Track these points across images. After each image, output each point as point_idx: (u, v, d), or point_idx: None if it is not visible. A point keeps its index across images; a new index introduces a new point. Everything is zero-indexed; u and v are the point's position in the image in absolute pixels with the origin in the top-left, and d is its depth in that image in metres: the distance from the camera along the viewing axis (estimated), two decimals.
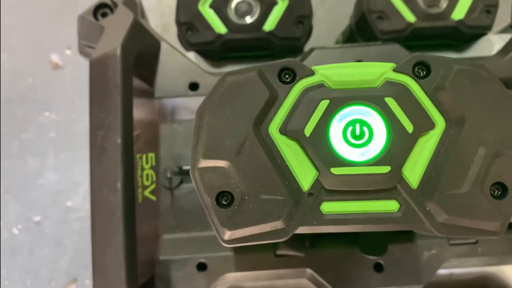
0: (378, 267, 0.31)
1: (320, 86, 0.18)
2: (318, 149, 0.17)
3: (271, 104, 0.18)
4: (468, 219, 0.17)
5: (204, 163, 0.18)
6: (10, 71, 0.63)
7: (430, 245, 0.32)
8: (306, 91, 0.18)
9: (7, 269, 0.59)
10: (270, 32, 0.37)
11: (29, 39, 0.63)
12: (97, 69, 0.30)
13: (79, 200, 0.60)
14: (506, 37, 0.38)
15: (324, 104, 0.18)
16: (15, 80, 0.63)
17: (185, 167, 0.35)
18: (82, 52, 0.37)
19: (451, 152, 0.17)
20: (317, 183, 0.17)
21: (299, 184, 0.17)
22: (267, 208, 0.17)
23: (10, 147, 0.61)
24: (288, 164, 0.18)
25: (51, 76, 0.62)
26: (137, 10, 0.37)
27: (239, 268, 0.31)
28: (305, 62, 0.36)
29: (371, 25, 0.38)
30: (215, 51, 0.38)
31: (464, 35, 0.38)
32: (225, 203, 0.17)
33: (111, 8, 0.36)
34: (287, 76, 0.18)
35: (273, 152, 0.18)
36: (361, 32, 0.41)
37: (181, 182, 0.35)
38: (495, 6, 0.38)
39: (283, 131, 0.18)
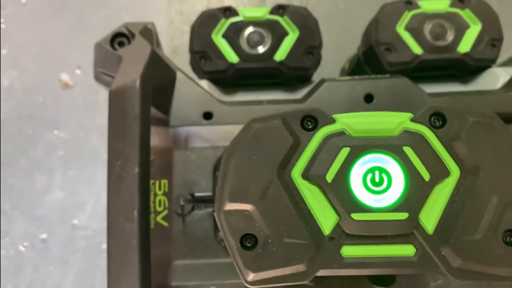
0: None
1: (341, 134, 0.19)
2: (339, 195, 0.18)
3: (294, 150, 0.19)
4: (482, 265, 0.18)
5: (230, 206, 0.18)
6: (20, 88, 0.64)
7: (437, 276, 0.32)
8: (327, 138, 0.19)
9: (12, 286, 0.59)
10: (281, 62, 0.38)
11: (40, 58, 0.64)
12: (117, 101, 0.31)
13: (86, 218, 0.61)
14: (510, 70, 0.39)
15: (345, 151, 0.19)
16: (25, 98, 0.63)
17: (197, 194, 0.35)
18: (98, 78, 0.38)
19: (465, 199, 0.18)
20: (338, 227, 0.18)
21: (321, 228, 0.18)
22: (290, 251, 0.18)
23: (19, 164, 0.62)
24: (310, 208, 0.18)
25: (61, 95, 0.63)
26: (153, 40, 0.38)
27: None
28: (315, 94, 0.37)
29: (379, 57, 0.39)
30: (227, 79, 0.39)
31: (470, 67, 0.39)
32: (249, 245, 0.18)
33: (128, 37, 0.37)
34: (309, 123, 0.19)
35: (295, 197, 0.19)
36: (369, 63, 0.42)
37: (193, 209, 0.35)
38: (500, 40, 0.39)
39: (305, 176, 0.19)
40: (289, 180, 0.19)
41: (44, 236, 0.60)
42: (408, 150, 0.18)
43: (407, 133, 0.19)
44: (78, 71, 0.64)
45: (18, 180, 0.61)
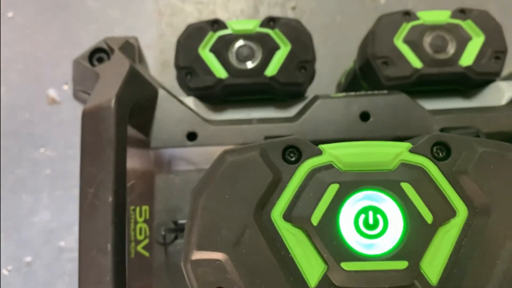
0: None
1: (329, 167, 0.16)
2: (327, 240, 0.15)
3: (274, 187, 0.16)
4: None
5: (198, 254, 0.16)
6: (7, 104, 0.62)
7: None
8: (313, 172, 0.16)
9: None
10: (272, 77, 0.35)
11: (27, 73, 0.62)
12: (90, 122, 0.28)
13: (73, 239, 0.58)
14: None
15: (333, 188, 0.16)
16: (12, 114, 0.61)
17: (181, 221, 0.33)
18: (77, 97, 0.36)
19: (474, 244, 0.16)
20: (325, 279, 0.16)
21: (306, 280, 0.15)
22: None
23: (4, 183, 0.60)
24: (292, 256, 0.16)
25: (48, 111, 0.61)
26: (135, 55, 0.35)
27: None
28: (308, 112, 0.34)
29: (375, 71, 0.37)
30: (215, 95, 0.37)
31: (472, 81, 0.37)
32: None
33: (108, 53, 0.34)
34: (292, 155, 0.17)
35: (276, 242, 0.16)
36: (366, 77, 0.40)
37: (175, 238, 0.33)
38: (504, 52, 0.37)
39: (287, 217, 0.16)
40: (269, 223, 0.16)
41: (28, 259, 0.58)
42: (406, 186, 0.16)
43: (405, 166, 0.16)
44: (65, 87, 0.61)
45: (3, 200, 0.59)
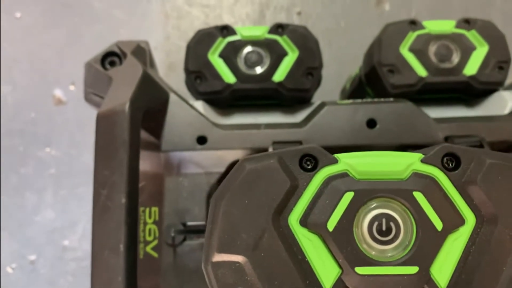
0: None
1: (344, 175, 0.17)
2: (342, 245, 0.16)
3: (291, 194, 0.17)
4: None
5: (219, 257, 0.16)
6: (12, 104, 0.62)
7: None
8: (328, 180, 0.17)
9: None
10: (280, 83, 0.36)
11: (33, 73, 0.63)
12: (104, 125, 0.29)
13: (76, 239, 0.59)
14: None
15: (348, 196, 0.17)
16: (17, 114, 0.62)
17: (189, 223, 0.33)
18: (88, 99, 0.36)
19: (482, 251, 0.16)
20: (339, 282, 0.16)
21: (321, 283, 0.16)
22: None
23: (9, 181, 0.60)
24: (308, 260, 0.16)
25: (53, 111, 0.61)
26: (146, 59, 0.36)
27: None
28: (315, 118, 0.35)
29: (381, 78, 0.37)
30: (224, 100, 0.38)
31: (476, 90, 0.38)
32: None
33: (120, 56, 0.35)
34: (308, 163, 0.17)
35: (293, 247, 0.17)
36: (371, 84, 0.41)
37: (184, 239, 0.33)
38: (508, 62, 0.38)
39: (304, 223, 0.17)
40: (286, 228, 0.17)
41: (32, 257, 0.58)
42: (418, 195, 0.16)
43: (417, 176, 0.17)
44: (72, 87, 0.62)
45: (7, 199, 0.59)
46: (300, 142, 0.34)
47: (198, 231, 0.33)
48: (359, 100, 0.36)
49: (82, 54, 0.39)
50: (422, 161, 0.17)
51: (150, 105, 0.32)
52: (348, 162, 0.17)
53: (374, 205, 0.17)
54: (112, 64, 0.35)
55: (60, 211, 0.59)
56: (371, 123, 0.34)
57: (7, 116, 0.61)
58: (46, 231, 0.59)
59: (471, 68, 0.37)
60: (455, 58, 0.37)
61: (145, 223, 0.34)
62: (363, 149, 0.19)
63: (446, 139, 0.34)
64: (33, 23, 0.64)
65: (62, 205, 0.59)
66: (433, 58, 0.37)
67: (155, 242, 0.33)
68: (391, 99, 0.35)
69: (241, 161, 0.17)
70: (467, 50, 0.37)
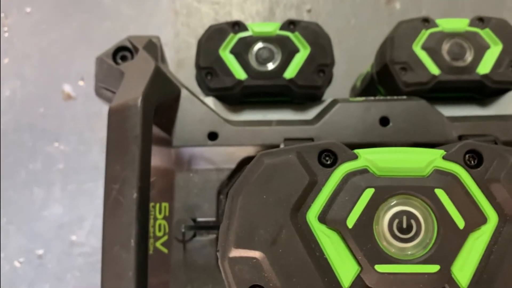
0: None
1: (364, 171, 0.17)
2: (361, 243, 0.16)
3: (310, 190, 0.17)
4: None
5: (236, 252, 0.16)
6: (21, 99, 0.62)
7: None
8: (348, 176, 0.17)
9: None
10: (291, 80, 0.36)
11: (42, 68, 0.63)
12: (116, 119, 0.29)
13: (84, 234, 0.59)
14: None
15: (369, 193, 0.16)
16: (26, 109, 0.62)
17: (199, 219, 0.33)
18: (98, 93, 0.36)
19: (504, 250, 0.16)
20: (358, 280, 0.16)
21: (339, 280, 0.16)
22: None
23: (17, 176, 0.60)
24: (327, 257, 0.16)
25: (62, 106, 0.61)
26: (157, 54, 0.36)
27: None
28: (327, 116, 0.35)
29: (394, 76, 0.37)
30: (234, 96, 0.37)
31: (489, 89, 0.37)
32: None
33: (131, 51, 0.35)
34: (327, 158, 0.17)
35: (311, 243, 0.16)
36: (383, 82, 0.40)
37: (194, 235, 0.33)
38: None
39: (322, 219, 0.17)
40: (304, 224, 0.16)
41: (40, 252, 0.58)
42: (440, 192, 0.16)
43: (439, 173, 0.17)
44: (81, 83, 0.62)
45: (15, 193, 0.60)
46: (311, 139, 0.33)
47: (208, 227, 0.33)
48: (371, 98, 0.35)
49: (92, 50, 0.39)
50: (444, 158, 0.17)
51: (162, 100, 0.31)
52: (368, 158, 0.17)
53: (395, 202, 0.16)
54: (124, 58, 0.35)
55: (68, 206, 0.59)
56: (384, 121, 0.34)
57: (16, 111, 0.61)
58: (54, 226, 0.59)
59: (485, 67, 0.37)
60: (469, 57, 0.37)
61: (155, 219, 0.34)
62: (376, 147, 0.19)
63: (460, 138, 0.33)
64: (43, 18, 0.64)
65: (70, 200, 0.59)
66: (446, 57, 0.37)
67: (165, 238, 0.33)
68: (404, 97, 0.35)
69: (259, 155, 0.17)
70: (480, 48, 0.37)
